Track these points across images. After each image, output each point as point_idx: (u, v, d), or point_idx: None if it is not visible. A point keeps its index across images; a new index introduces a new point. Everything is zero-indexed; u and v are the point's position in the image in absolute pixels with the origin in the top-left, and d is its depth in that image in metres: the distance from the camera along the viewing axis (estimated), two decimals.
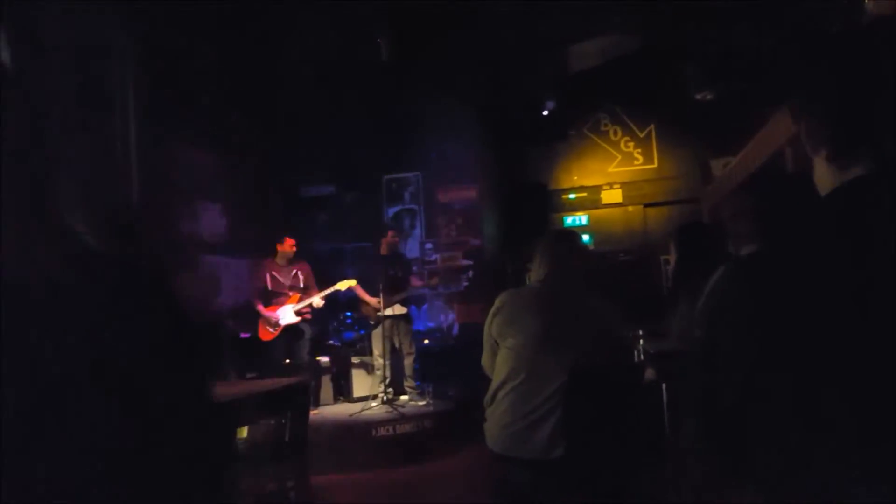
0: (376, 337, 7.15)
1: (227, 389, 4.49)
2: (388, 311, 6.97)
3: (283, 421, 4.43)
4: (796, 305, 1.07)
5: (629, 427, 2.62)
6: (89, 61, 5.96)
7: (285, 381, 4.88)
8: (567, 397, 2.56)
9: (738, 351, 1.98)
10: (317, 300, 6.85)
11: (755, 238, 2.38)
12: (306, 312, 6.93)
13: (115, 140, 6.11)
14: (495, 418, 2.74)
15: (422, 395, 7.16)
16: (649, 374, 2.84)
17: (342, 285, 6.96)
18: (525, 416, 2.62)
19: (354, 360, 7.54)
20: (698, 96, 7.49)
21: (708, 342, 2.12)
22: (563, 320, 2.70)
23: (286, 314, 6.81)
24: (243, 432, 4.90)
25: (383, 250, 7.30)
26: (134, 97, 6.16)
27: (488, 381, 2.99)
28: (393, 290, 6.96)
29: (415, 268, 8.22)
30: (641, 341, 4.70)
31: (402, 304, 7.12)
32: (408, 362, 7.17)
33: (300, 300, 6.84)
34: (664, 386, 2.81)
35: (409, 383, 7.19)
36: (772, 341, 1.78)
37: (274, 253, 6.97)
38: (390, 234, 7.38)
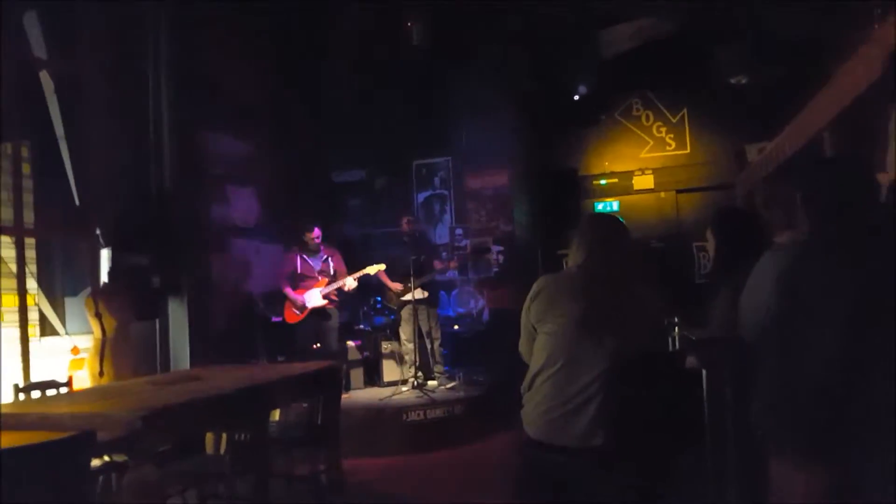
0: (404, 322, 7.17)
1: (261, 373, 4.53)
2: (409, 297, 6.96)
3: (315, 404, 4.45)
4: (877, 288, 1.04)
5: (670, 414, 2.59)
6: (123, 47, 6.01)
7: (318, 364, 4.89)
8: (608, 384, 2.52)
9: (823, 342, 1.97)
10: (350, 281, 6.86)
11: (793, 224, 2.34)
12: (334, 298, 6.95)
13: (148, 124, 6.18)
14: (533, 404, 2.71)
15: (450, 378, 7.17)
16: (690, 361, 2.79)
17: (371, 269, 6.96)
18: (564, 403, 2.58)
19: (385, 345, 7.56)
20: (732, 80, 7.35)
21: (777, 330, 2.10)
22: (603, 305, 2.65)
23: (313, 297, 6.84)
24: (275, 415, 4.94)
25: (404, 236, 7.31)
26: (167, 82, 6.20)
27: (519, 366, 2.96)
28: (417, 274, 6.95)
29: (444, 254, 8.21)
30: (677, 329, 4.64)
31: (424, 288, 7.09)
32: (434, 347, 7.16)
33: (328, 284, 6.86)
34: (705, 373, 2.77)
35: (437, 368, 7.19)
36: (858, 328, 1.76)
37: (302, 241, 7.00)
38: (405, 220, 7.39)
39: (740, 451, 2.66)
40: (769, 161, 6.45)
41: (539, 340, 2.75)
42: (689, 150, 8.36)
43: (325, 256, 7.02)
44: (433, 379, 7.14)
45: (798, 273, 2.08)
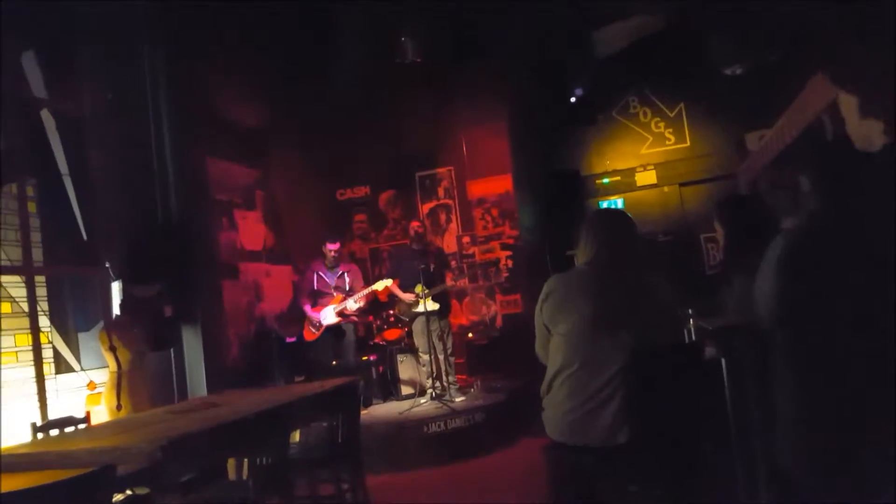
0: (417, 334, 7.13)
1: (279, 395, 4.52)
2: (421, 308, 6.93)
3: (334, 422, 4.42)
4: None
5: (692, 407, 2.56)
6: (120, 78, 6.05)
7: (335, 382, 4.87)
8: (628, 380, 2.49)
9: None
10: (351, 303, 6.87)
11: (800, 208, 2.33)
12: (351, 314, 6.94)
13: (151, 154, 6.20)
14: (554, 406, 2.68)
15: (462, 390, 7.13)
16: (709, 351, 2.77)
17: (379, 285, 6.95)
18: (585, 403, 2.56)
19: (400, 357, 7.53)
20: (727, 71, 7.32)
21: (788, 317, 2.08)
22: (616, 301, 2.63)
23: (328, 315, 6.84)
24: (296, 436, 4.92)
25: (413, 244, 7.28)
26: (169, 109, 6.23)
27: (536, 370, 2.93)
28: (427, 283, 6.87)
29: (453, 262, 8.19)
30: (692, 320, 4.62)
31: (435, 299, 7.04)
32: (442, 358, 7.09)
33: (342, 301, 6.86)
34: (724, 362, 2.74)
35: (449, 379, 7.13)
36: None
37: (321, 255, 7.01)
38: (413, 224, 7.36)
39: (765, 438, 2.63)
40: (770, 148, 6.44)
41: (554, 341, 2.73)
42: (689, 144, 8.33)
43: (342, 272, 7.03)
44: (447, 390, 7.03)
45: (806, 255, 2.06)
